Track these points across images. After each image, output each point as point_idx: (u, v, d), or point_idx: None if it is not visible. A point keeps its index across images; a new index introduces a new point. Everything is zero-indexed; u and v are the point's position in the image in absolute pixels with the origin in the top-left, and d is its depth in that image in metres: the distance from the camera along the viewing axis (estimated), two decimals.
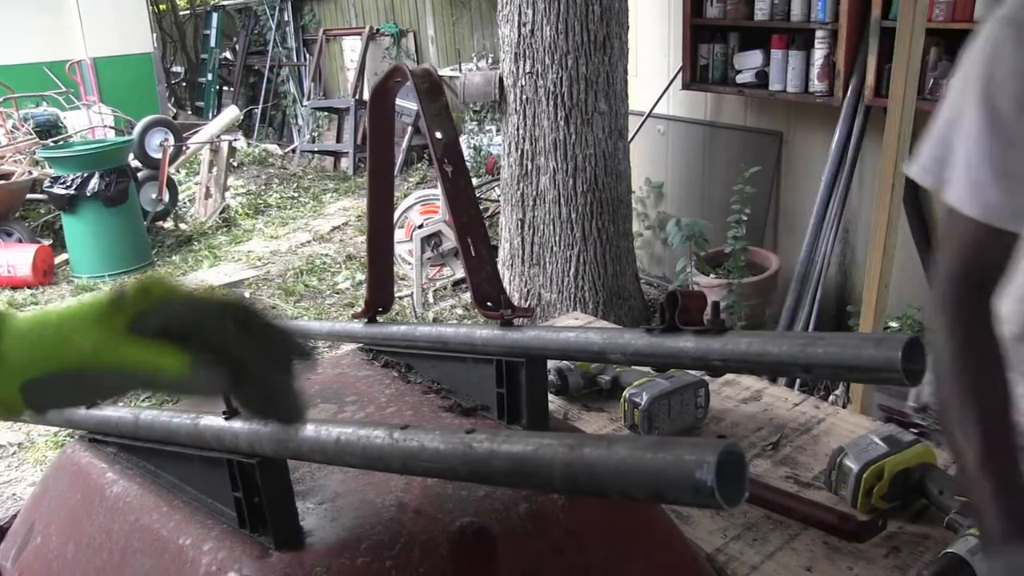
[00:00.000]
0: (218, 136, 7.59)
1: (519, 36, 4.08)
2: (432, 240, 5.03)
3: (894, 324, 3.54)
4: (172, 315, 0.54)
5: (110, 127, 8.15)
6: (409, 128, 8.18)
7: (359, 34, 9.18)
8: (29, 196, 6.39)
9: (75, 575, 0.94)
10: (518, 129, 4.25)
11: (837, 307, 4.16)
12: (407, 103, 7.21)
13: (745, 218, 4.02)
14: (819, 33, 3.75)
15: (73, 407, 0.52)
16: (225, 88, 11.52)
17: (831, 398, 3.46)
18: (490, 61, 7.49)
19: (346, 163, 8.86)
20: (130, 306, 0.53)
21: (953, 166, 0.97)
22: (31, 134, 7.17)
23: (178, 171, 7.97)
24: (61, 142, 6.95)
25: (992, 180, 0.93)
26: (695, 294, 0.83)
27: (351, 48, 9.55)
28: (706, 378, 1.50)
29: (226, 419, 0.79)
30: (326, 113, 9.57)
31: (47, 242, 6.41)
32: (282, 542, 0.76)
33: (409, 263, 5.22)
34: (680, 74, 4.48)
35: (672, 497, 0.49)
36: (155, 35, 11.00)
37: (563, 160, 4.16)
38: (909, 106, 2.51)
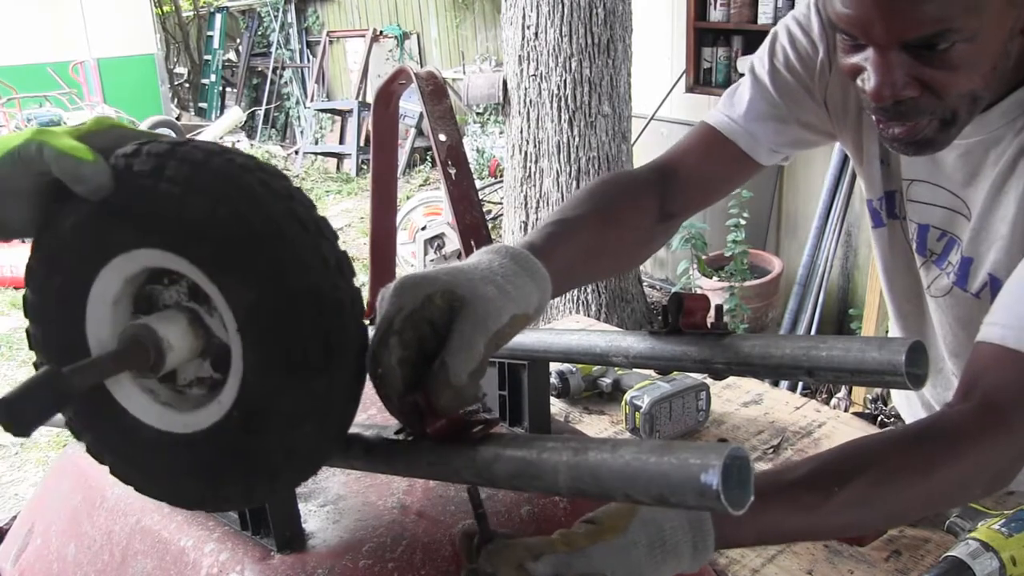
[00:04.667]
0: (221, 137, 7.60)
1: (523, 39, 4.08)
2: (435, 242, 5.03)
3: None
4: (118, 135, 0.63)
5: None
6: (412, 130, 8.18)
7: (363, 36, 9.19)
8: None
9: None
10: (521, 132, 4.25)
11: (839, 310, 4.15)
12: (410, 105, 7.22)
13: (743, 222, 4.02)
14: None
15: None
16: (228, 89, 11.54)
17: (833, 402, 3.45)
18: (494, 63, 7.50)
19: (349, 165, 8.87)
20: (85, 128, 0.62)
21: None
22: None
23: None
24: None
25: None
26: (698, 297, 0.83)
27: (354, 50, 9.55)
28: (707, 381, 1.50)
29: None
30: (329, 115, 9.57)
31: None
32: (284, 544, 0.76)
33: (412, 265, 5.22)
34: (683, 77, 4.47)
35: (677, 501, 0.49)
36: (158, 36, 11.01)
37: (566, 163, 4.16)
38: None
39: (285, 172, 0.62)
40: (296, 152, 9.55)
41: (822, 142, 1.12)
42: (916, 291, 1.10)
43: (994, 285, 0.93)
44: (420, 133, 8.21)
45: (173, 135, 0.64)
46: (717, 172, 1.09)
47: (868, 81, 0.80)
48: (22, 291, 0.68)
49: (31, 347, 0.69)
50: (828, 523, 0.70)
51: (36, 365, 0.69)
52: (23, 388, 0.54)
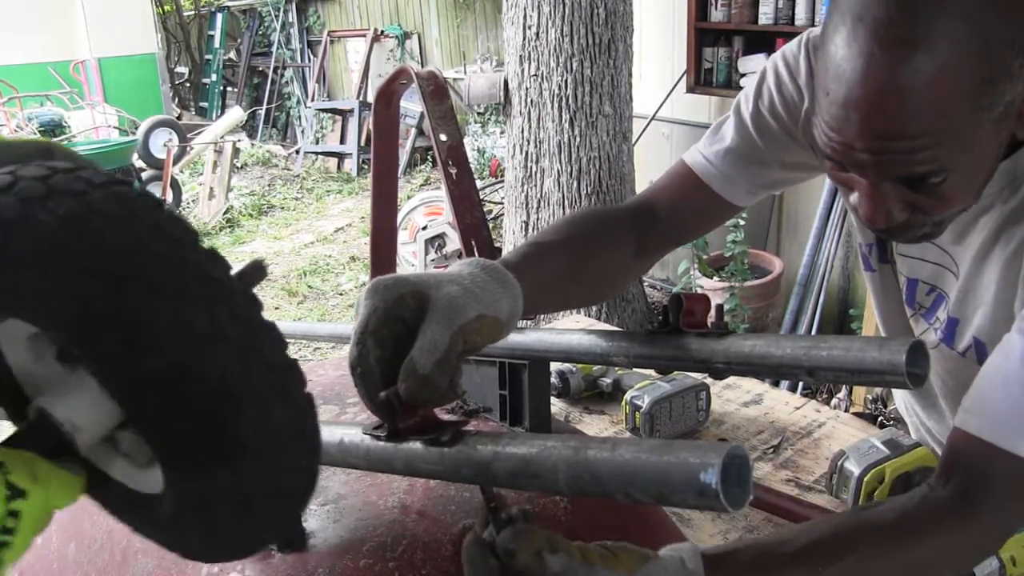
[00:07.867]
0: (222, 137, 7.61)
1: (524, 38, 4.08)
2: (436, 242, 5.03)
3: None
4: None
5: (114, 127, 8.17)
6: (412, 130, 8.19)
7: (363, 36, 9.18)
8: None
9: None
10: (522, 131, 4.25)
11: (840, 310, 4.16)
12: (411, 105, 7.22)
13: (742, 222, 4.02)
14: None
15: None
16: (229, 89, 11.54)
17: (833, 402, 3.45)
18: (494, 63, 7.50)
19: (349, 164, 8.87)
20: None
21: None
22: (35, 134, 7.19)
23: (182, 171, 7.99)
24: (65, 142, 6.96)
25: None
26: (699, 296, 0.83)
27: (355, 50, 9.55)
28: (707, 381, 1.50)
29: None
30: (330, 114, 9.57)
31: None
32: (285, 543, 0.76)
33: (413, 265, 5.22)
34: (684, 77, 4.48)
35: (677, 499, 0.49)
36: (159, 36, 11.02)
37: (567, 163, 4.16)
38: None
39: (140, 190, 0.49)
40: (297, 152, 9.56)
41: (813, 176, 1.10)
42: (908, 335, 1.10)
43: (979, 348, 0.94)
44: (421, 133, 8.21)
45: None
46: (692, 212, 1.10)
47: (860, 206, 0.79)
48: None
49: None
50: None
51: None
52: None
